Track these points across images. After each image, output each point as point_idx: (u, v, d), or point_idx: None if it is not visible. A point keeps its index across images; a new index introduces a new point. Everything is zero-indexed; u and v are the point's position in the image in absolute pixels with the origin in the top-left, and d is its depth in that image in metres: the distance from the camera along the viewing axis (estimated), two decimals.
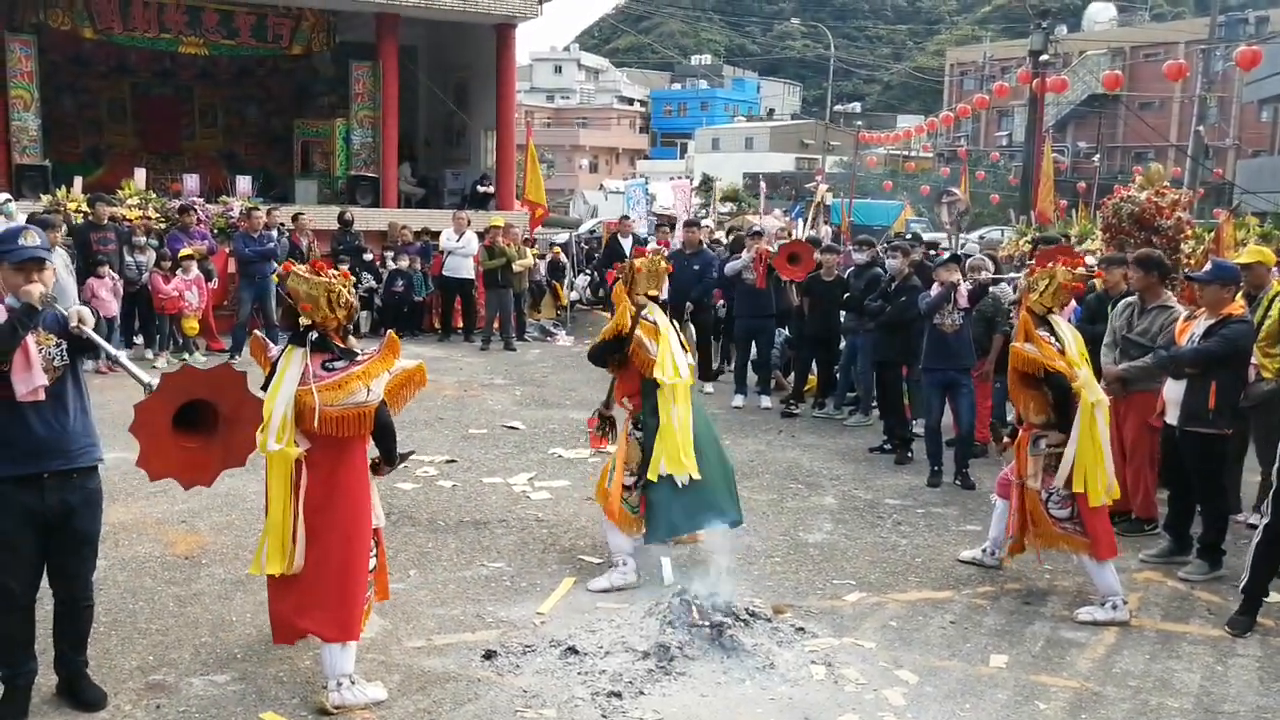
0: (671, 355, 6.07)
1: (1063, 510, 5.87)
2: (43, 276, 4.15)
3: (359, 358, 4.71)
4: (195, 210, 14.17)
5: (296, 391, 4.52)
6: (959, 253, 12.21)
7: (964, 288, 8.21)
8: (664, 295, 8.08)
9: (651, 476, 5.97)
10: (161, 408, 3.76)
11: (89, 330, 4.09)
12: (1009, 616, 5.71)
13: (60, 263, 10.39)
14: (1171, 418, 6.42)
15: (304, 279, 4.63)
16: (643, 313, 6.16)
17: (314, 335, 4.64)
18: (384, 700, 4.58)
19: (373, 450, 4.86)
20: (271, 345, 4.97)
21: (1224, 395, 6.20)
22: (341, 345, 4.72)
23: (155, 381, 4.04)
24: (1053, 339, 5.86)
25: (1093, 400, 5.76)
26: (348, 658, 4.58)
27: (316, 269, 4.70)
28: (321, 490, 4.61)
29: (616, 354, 6.15)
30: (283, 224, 14.60)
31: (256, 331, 6.79)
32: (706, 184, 46.62)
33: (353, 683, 4.57)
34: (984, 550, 6.56)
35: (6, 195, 13.01)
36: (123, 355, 4.03)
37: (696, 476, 6.01)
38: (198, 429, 3.92)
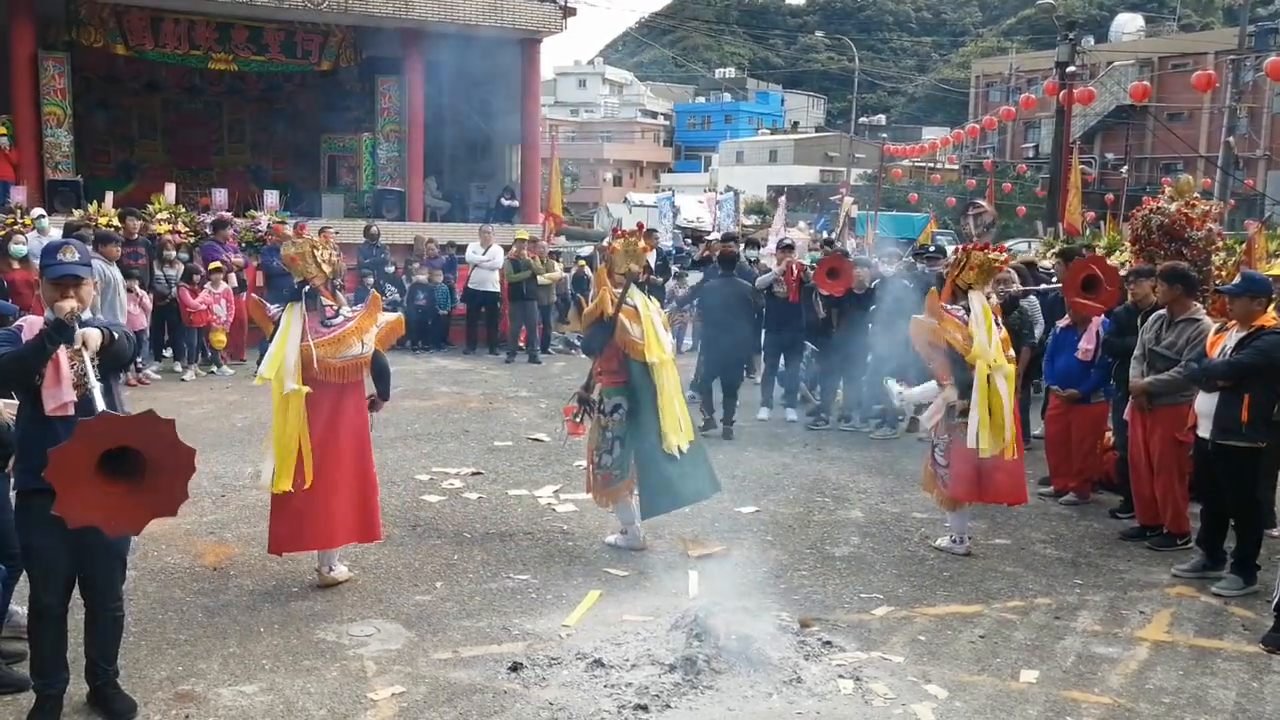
0: (656, 335, 6.55)
1: (944, 458, 6.82)
2: (80, 293, 4.17)
3: (349, 315, 5.75)
4: (229, 224, 14.30)
5: (301, 345, 5.50)
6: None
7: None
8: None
9: (667, 449, 6.43)
10: (80, 454, 3.69)
11: (86, 356, 4.05)
12: (1039, 631, 5.66)
13: (118, 278, 10.49)
14: (1204, 431, 6.35)
15: (291, 241, 5.77)
16: (624, 297, 6.56)
17: (307, 289, 5.64)
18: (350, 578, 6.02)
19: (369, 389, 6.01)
20: (269, 306, 5.89)
21: (1257, 408, 6.13)
22: (331, 301, 5.74)
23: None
24: (962, 312, 6.68)
25: (988, 367, 6.51)
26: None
27: (299, 232, 5.91)
28: (333, 420, 5.67)
29: (608, 340, 6.56)
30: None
31: (252, 294, 7.60)
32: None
33: (331, 569, 5.98)
34: (952, 539, 6.95)
35: (40, 210, 13.20)
36: (97, 387, 3.97)
37: (690, 441, 6.57)
38: (124, 475, 3.84)
